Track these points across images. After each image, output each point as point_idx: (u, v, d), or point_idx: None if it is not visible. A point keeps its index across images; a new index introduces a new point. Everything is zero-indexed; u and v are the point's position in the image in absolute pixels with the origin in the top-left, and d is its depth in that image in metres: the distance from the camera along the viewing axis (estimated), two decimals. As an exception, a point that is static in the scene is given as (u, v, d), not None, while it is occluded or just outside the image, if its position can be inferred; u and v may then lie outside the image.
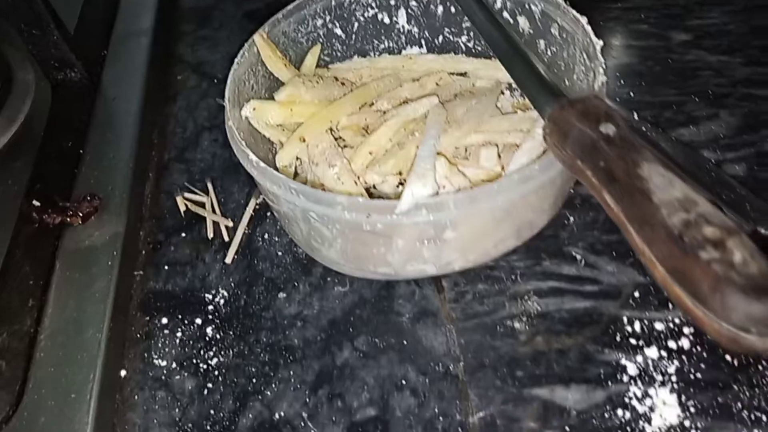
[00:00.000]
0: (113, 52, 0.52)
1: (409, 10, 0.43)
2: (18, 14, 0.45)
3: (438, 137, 0.33)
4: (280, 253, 0.39)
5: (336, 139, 0.39)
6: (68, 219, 0.39)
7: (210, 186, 0.44)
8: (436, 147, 0.32)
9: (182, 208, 0.43)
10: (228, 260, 0.39)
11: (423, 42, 0.45)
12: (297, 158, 0.39)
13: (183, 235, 0.41)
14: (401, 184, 0.36)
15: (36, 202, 0.40)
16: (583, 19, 0.36)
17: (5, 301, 0.35)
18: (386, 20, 0.44)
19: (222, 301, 0.38)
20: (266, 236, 0.40)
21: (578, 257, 0.37)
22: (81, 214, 0.39)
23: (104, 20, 0.55)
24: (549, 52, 0.39)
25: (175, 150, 0.47)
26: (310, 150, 0.37)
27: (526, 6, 0.39)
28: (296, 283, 0.38)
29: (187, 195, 0.43)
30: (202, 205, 0.43)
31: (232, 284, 0.38)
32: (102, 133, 0.46)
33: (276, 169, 0.36)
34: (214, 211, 0.42)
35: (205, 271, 0.39)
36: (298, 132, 0.37)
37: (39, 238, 0.38)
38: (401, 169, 0.35)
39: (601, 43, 0.34)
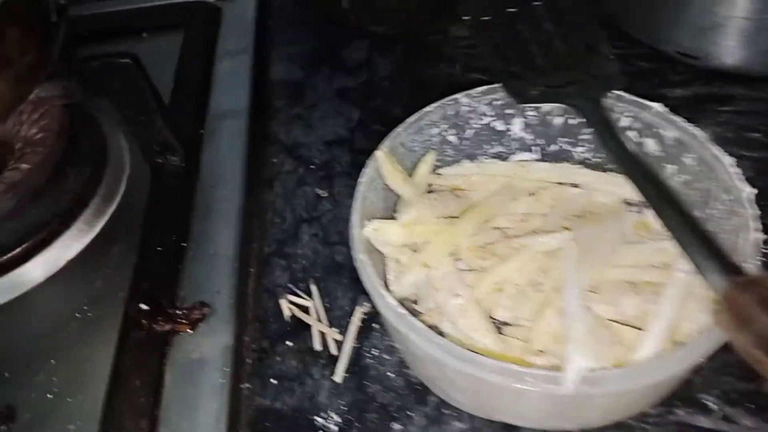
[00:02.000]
0: (209, 132, 0.52)
1: (526, 120, 0.42)
2: (124, 98, 0.44)
3: (580, 288, 0.31)
4: (391, 375, 0.38)
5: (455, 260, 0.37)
6: (178, 327, 0.39)
7: (314, 289, 0.43)
8: (583, 302, 0.31)
9: (287, 313, 0.42)
10: (337, 379, 0.38)
11: (534, 148, 0.44)
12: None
13: (288, 343, 0.40)
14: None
15: (144, 306, 0.39)
16: (727, 159, 0.34)
17: (117, 421, 0.35)
18: (500, 127, 0.43)
19: (334, 428, 0.36)
20: (375, 352, 0.39)
21: (713, 407, 0.35)
22: (190, 322, 0.39)
23: (197, 98, 0.54)
24: (680, 179, 0.38)
25: (274, 243, 0.46)
26: (430, 273, 0.36)
27: (655, 130, 0.38)
28: (410, 413, 0.36)
29: (290, 297, 0.42)
30: (305, 309, 0.42)
31: (343, 407, 0.37)
32: (203, 224, 0.45)
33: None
34: (319, 319, 0.41)
35: (314, 388, 0.38)
36: (421, 258, 0.36)
37: (148, 347, 0.38)
38: (537, 316, 0.33)
39: (753, 191, 0.32)
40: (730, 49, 0.48)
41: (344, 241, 0.46)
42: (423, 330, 0.29)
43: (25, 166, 0.44)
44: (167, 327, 0.38)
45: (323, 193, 0.49)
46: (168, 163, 0.48)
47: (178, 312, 0.39)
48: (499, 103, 0.41)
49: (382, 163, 0.38)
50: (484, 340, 0.33)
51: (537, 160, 0.44)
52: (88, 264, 0.44)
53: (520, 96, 0.39)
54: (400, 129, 0.40)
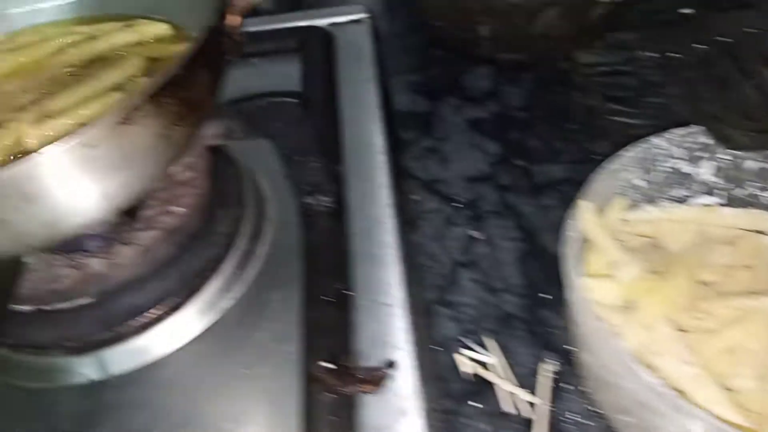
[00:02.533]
0: (348, 168, 0.49)
1: (716, 163, 0.40)
2: (287, 139, 0.42)
3: None
4: (594, 441, 0.36)
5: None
6: (363, 387, 0.36)
7: (491, 344, 0.40)
8: None
9: (465, 370, 0.39)
10: (536, 445, 0.36)
11: (717, 192, 0.41)
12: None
13: (474, 404, 0.38)
14: None
15: (328, 365, 0.37)
16: None
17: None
18: (686, 170, 0.40)
19: (544, 501, 0.34)
20: (572, 416, 0.37)
21: None
22: (375, 381, 0.36)
23: (329, 131, 0.52)
24: None
25: (434, 290, 0.44)
26: (649, 336, 0.34)
27: None
28: (626, 484, 0.34)
29: (465, 352, 0.40)
30: (486, 366, 0.39)
31: (549, 477, 0.35)
32: (362, 270, 0.43)
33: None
34: (502, 376, 0.39)
35: (512, 456, 0.36)
36: (638, 318, 0.33)
37: (338, 411, 0.35)
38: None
39: None
40: None
41: (509, 288, 0.44)
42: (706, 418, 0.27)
43: (179, 209, 0.41)
44: (353, 388, 0.36)
45: (478, 235, 0.47)
46: (319, 204, 0.45)
47: (362, 370, 0.36)
48: (692, 145, 0.39)
49: (587, 215, 0.35)
50: (730, 415, 0.30)
51: (720, 205, 0.41)
52: (247, 313, 0.42)
53: (728, 141, 0.37)
54: (597, 178, 0.37)
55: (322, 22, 0.63)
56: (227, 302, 0.42)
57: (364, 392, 0.36)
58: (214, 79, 0.34)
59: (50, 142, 0.37)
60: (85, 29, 0.45)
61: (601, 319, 0.31)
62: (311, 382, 0.36)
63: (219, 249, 0.43)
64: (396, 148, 0.54)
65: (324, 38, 0.61)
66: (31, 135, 0.37)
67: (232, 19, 0.36)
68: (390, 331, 0.39)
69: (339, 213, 0.46)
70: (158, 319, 0.41)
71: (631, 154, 0.38)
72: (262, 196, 0.48)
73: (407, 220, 0.48)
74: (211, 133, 0.41)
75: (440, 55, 0.62)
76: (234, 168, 0.48)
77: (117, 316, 0.40)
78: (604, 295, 0.34)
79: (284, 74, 0.58)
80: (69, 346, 0.40)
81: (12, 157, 0.37)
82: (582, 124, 0.53)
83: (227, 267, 0.43)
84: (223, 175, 0.47)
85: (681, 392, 0.32)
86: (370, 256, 0.43)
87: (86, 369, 0.40)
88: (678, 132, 0.38)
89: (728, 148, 0.37)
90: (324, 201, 0.45)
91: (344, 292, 0.41)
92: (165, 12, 0.43)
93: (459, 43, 0.57)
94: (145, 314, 0.40)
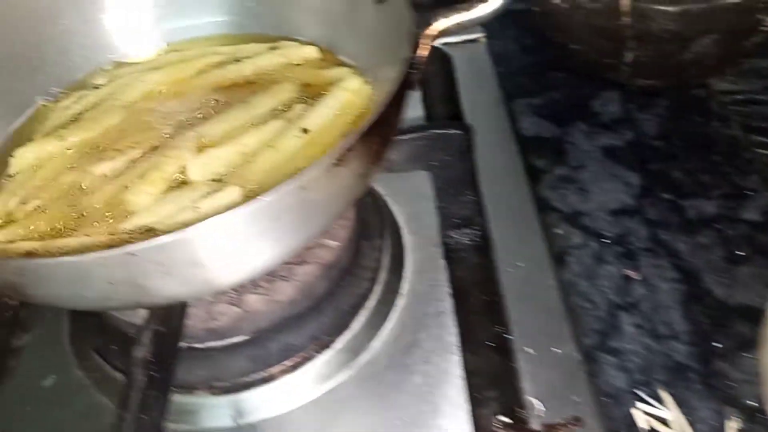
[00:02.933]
0: (487, 199, 0.47)
1: None
2: (446, 172, 0.40)
3: None
4: None
5: None
6: (547, 446, 0.33)
7: (667, 398, 0.37)
8: None
9: (644, 427, 0.36)
10: None
11: None
12: None
13: (657, 464, 0.35)
14: None
15: (505, 419, 0.34)
16: None
17: None
18: None
19: None
20: (770, 482, 0.34)
21: None
22: (560, 440, 0.34)
23: (462, 157, 0.49)
24: None
25: (594, 335, 0.41)
26: None
27: None
28: None
29: (640, 405, 0.37)
30: (665, 422, 0.37)
31: None
32: (524, 312, 0.40)
33: None
34: (685, 435, 0.36)
35: None
36: None
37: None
38: None
39: None
40: None
41: (676, 335, 0.41)
42: None
43: (333, 242, 0.39)
44: (538, 446, 0.33)
45: (635, 276, 0.44)
46: (466, 239, 0.43)
47: (543, 427, 0.34)
48: None
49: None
50: None
51: None
52: (395, 354, 0.39)
53: None
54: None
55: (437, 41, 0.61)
56: (375, 341, 0.40)
57: (547, 451, 0.34)
58: (400, 113, 0.31)
59: (211, 172, 0.35)
60: (228, 50, 0.43)
61: None
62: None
63: (366, 283, 0.41)
64: (528, 175, 0.51)
65: (442, 58, 0.59)
66: (194, 165, 0.35)
67: (423, 49, 0.34)
68: (564, 380, 0.37)
69: (485, 247, 0.43)
70: (308, 359, 0.38)
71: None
72: (397, 228, 0.46)
73: (553, 256, 0.46)
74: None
75: (561, 77, 0.59)
76: (373, 198, 0.46)
77: (270, 355, 0.38)
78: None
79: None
80: (217, 386, 0.38)
81: (172, 186, 0.35)
82: (726, 156, 0.50)
83: (371, 302, 0.41)
84: (364, 206, 0.44)
85: None
86: (527, 296, 0.41)
87: (232, 410, 0.38)
88: None
89: None
90: (469, 234, 0.43)
91: (504, 336, 0.39)
92: (342, 46, 0.41)
93: (589, 66, 0.54)
94: (299, 353, 0.38)
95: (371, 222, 0.44)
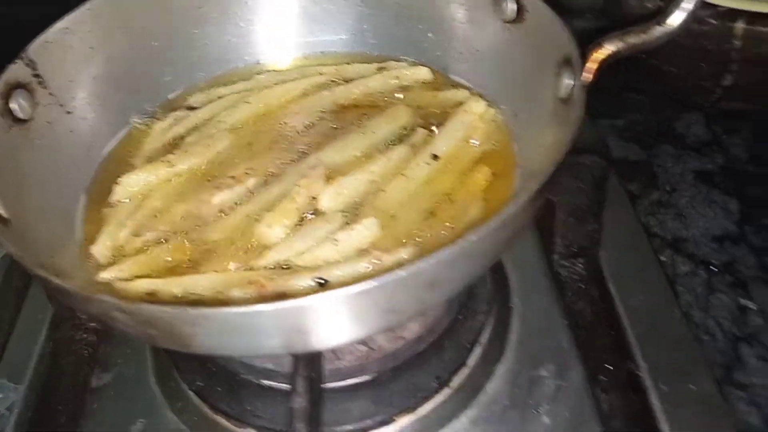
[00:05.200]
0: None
1: None
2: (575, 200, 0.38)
3: None
4: None
5: None
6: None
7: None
8: None
9: (788, 466, 0.35)
10: None
11: None
12: None
13: None
14: None
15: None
16: None
17: None
18: None
19: None
20: None
21: None
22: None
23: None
24: None
25: (717, 368, 0.39)
26: None
27: None
28: None
29: (784, 445, 0.36)
30: (811, 464, 0.35)
31: None
32: (656, 350, 0.38)
33: None
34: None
35: None
36: None
37: None
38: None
39: None
40: None
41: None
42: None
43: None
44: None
45: (751, 306, 0.42)
46: (576, 268, 0.41)
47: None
48: None
49: None
50: None
51: None
52: (516, 393, 0.37)
53: None
54: None
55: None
56: (492, 380, 0.38)
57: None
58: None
59: (343, 202, 0.33)
60: (330, 70, 0.41)
61: None
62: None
63: (482, 316, 0.39)
64: (619, 198, 0.50)
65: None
66: (326, 194, 0.33)
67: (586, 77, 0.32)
68: (704, 417, 0.35)
69: (595, 280, 0.42)
70: (427, 398, 0.36)
71: None
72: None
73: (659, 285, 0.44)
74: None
75: (638, 99, 0.58)
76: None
77: (393, 396, 0.35)
78: None
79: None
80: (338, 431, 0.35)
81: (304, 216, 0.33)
82: (822, 181, 0.49)
83: (484, 336, 0.39)
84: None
85: None
86: (654, 332, 0.39)
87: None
88: None
89: None
90: (579, 266, 0.41)
91: (633, 372, 0.37)
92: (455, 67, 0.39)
93: (677, 88, 0.53)
94: (421, 393, 0.36)
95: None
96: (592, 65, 0.32)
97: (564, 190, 0.37)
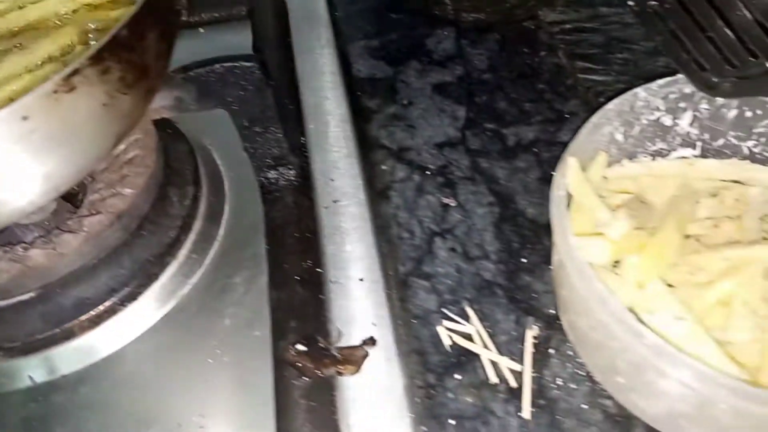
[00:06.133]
0: (311, 138, 0.46)
1: (696, 113, 0.38)
2: (245, 108, 0.39)
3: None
4: (584, 406, 0.34)
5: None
6: (342, 368, 0.34)
7: (471, 313, 0.38)
8: None
9: (446, 342, 0.37)
10: (525, 415, 0.34)
11: (697, 144, 0.40)
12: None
13: (457, 377, 0.36)
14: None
15: (302, 347, 0.34)
16: None
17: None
18: (668, 122, 0.39)
19: (539, 473, 0.32)
20: (559, 381, 0.35)
21: None
22: (355, 362, 0.34)
23: (290, 101, 0.48)
24: None
25: (409, 262, 0.41)
26: (641, 293, 0.32)
27: None
28: (621, 449, 0.33)
29: (446, 324, 0.38)
30: (467, 336, 0.37)
31: (541, 448, 0.33)
32: (334, 245, 0.40)
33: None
34: (485, 346, 0.37)
35: (502, 428, 0.34)
36: (634, 276, 0.32)
37: (315, 396, 0.33)
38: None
39: None
40: None
41: (487, 255, 0.42)
42: (694, 365, 0.25)
43: (127, 190, 0.38)
44: (332, 370, 0.33)
45: (451, 203, 0.44)
46: (282, 179, 0.42)
47: (340, 351, 0.34)
48: (674, 96, 0.37)
49: (573, 172, 0.33)
50: (725, 368, 0.29)
51: (698, 157, 0.40)
52: (206, 298, 0.38)
53: (711, 89, 0.35)
54: (583, 132, 0.35)
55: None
56: (185, 288, 0.39)
57: (344, 374, 0.34)
58: (163, 43, 0.30)
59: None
60: (7, -5, 0.40)
61: (594, 278, 0.29)
62: (283, 366, 0.33)
63: (174, 232, 0.40)
64: (360, 115, 0.51)
65: (275, 2, 0.57)
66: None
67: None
68: (365, 307, 0.37)
69: (304, 187, 0.43)
70: (110, 312, 0.37)
71: (613, 107, 0.36)
72: (218, 173, 0.45)
73: (378, 192, 0.46)
74: (161, 104, 0.37)
75: (399, 18, 0.59)
76: (187, 144, 0.44)
77: (64, 311, 0.36)
78: (595, 254, 0.32)
79: (237, 43, 0.54)
80: (11, 347, 0.36)
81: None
82: (550, 84, 0.51)
83: (184, 251, 0.40)
84: (175, 152, 0.43)
85: (677, 349, 0.31)
86: (341, 230, 0.41)
87: (32, 371, 0.36)
88: (660, 83, 0.36)
89: (712, 96, 0.35)
90: (287, 175, 0.43)
91: (315, 270, 0.39)
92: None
93: (420, 4, 0.54)
94: (97, 307, 0.36)
95: (183, 168, 0.42)
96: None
97: (231, 100, 0.38)
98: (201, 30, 0.57)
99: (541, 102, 0.50)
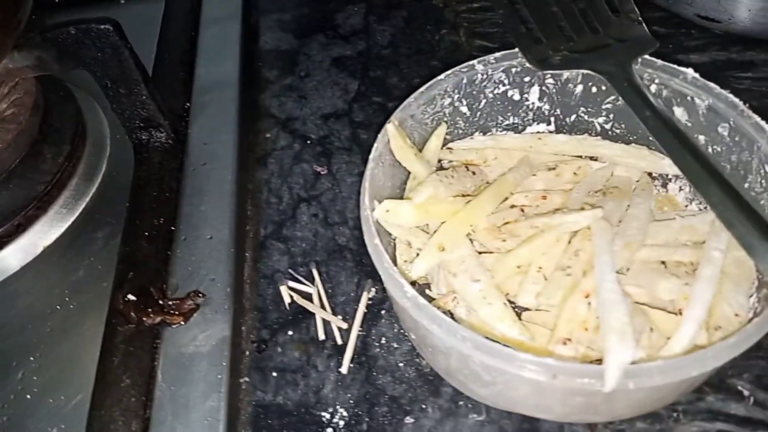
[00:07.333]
0: (196, 105, 0.48)
1: (544, 88, 0.39)
2: (103, 68, 0.40)
3: (614, 271, 0.29)
4: (401, 364, 0.36)
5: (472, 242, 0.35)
6: (169, 319, 0.35)
7: (316, 275, 0.40)
8: (619, 286, 0.28)
9: (287, 300, 0.39)
10: (343, 370, 0.35)
11: (552, 120, 0.41)
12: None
13: (290, 333, 0.37)
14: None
15: (131, 297, 0.36)
16: (773, 127, 0.32)
17: (105, 423, 0.32)
18: (516, 97, 0.39)
19: (341, 423, 0.34)
20: (383, 341, 0.36)
21: (745, 393, 0.33)
22: (183, 313, 0.36)
23: (182, 68, 0.50)
24: (711, 151, 0.35)
25: (271, 225, 0.43)
26: (445, 256, 0.33)
27: (689, 99, 0.35)
28: (424, 406, 0.34)
29: (291, 284, 0.39)
30: (308, 296, 0.39)
31: (351, 401, 0.34)
32: (193, 206, 0.42)
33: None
34: (323, 306, 0.38)
35: (319, 381, 0.35)
36: (437, 240, 0.33)
37: (137, 342, 0.34)
38: (563, 301, 0.30)
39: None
40: (760, 12, 0.45)
41: (346, 221, 0.43)
42: (448, 323, 0.26)
43: (-6, 145, 0.40)
44: (157, 319, 0.35)
45: (322, 171, 0.46)
46: (153, 140, 0.44)
47: (169, 302, 0.36)
48: (516, 70, 0.38)
49: (393, 137, 0.35)
50: (510, 331, 0.30)
51: (553, 132, 0.41)
52: (68, 251, 0.41)
53: (541, 62, 0.36)
54: (411, 100, 0.36)
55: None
56: (49, 240, 0.41)
57: (170, 324, 0.36)
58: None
59: None
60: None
61: (377, 240, 0.30)
62: (113, 314, 0.35)
63: (43, 187, 0.42)
64: (256, 86, 0.53)
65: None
66: None
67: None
68: (207, 264, 0.38)
69: (175, 150, 0.45)
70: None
71: (445, 78, 0.37)
72: (102, 133, 0.46)
73: (256, 158, 0.47)
74: (24, 63, 0.39)
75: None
76: (74, 104, 0.46)
77: None
78: (402, 217, 0.33)
79: (150, 15, 0.56)
80: None
81: None
82: (445, 61, 0.52)
83: (55, 206, 0.42)
84: (60, 112, 0.45)
85: (470, 310, 0.32)
86: (203, 192, 0.42)
87: None
88: (496, 56, 0.37)
89: (540, 69, 0.36)
90: (157, 137, 0.44)
91: (169, 228, 0.40)
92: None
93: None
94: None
95: (64, 127, 0.44)
96: None
97: (90, 61, 0.39)
98: (121, 1, 0.60)
99: (431, 78, 0.51)
